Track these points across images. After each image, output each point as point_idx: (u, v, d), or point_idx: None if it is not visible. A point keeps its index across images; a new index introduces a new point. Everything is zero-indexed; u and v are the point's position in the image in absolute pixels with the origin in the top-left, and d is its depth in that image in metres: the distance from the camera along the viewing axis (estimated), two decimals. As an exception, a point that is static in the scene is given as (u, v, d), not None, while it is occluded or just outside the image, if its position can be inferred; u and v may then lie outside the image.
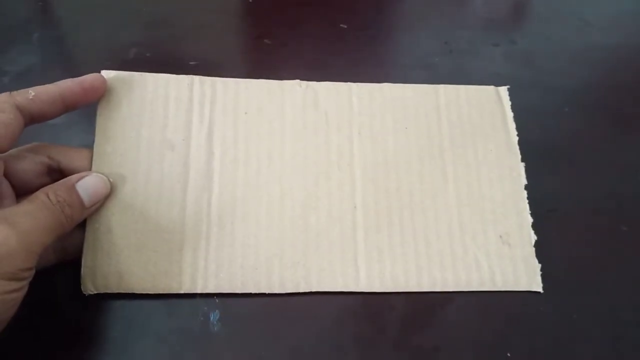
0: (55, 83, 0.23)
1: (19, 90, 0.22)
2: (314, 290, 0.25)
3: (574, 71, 0.36)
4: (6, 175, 0.23)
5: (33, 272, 0.20)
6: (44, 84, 0.23)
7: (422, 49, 0.37)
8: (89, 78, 0.25)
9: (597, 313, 0.26)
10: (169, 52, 0.35)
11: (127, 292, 0.24)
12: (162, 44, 0.36)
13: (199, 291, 0.24)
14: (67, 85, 0.24)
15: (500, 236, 0.26)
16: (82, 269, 0.24)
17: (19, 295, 0.20)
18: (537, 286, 0.26)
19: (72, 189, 0.23)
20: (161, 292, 0.24)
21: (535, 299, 0.26)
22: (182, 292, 0.24)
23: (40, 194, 0.21)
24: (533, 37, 0.38)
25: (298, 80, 0.28)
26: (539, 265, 0.26)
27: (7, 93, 0.22)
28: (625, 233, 0.29)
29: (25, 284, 0.20)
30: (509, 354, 0.24)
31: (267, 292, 0.24)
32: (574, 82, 0.36)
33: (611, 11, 0.41)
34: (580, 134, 0.33)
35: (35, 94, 0.23)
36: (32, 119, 0.23)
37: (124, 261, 0.24)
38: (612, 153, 0.32)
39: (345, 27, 0.38)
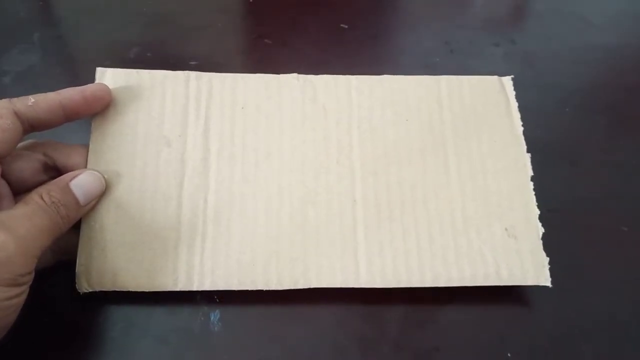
0: (56, 91, 0.23)
1: (18, 97, 0.22)
2: (312, 286, 0.24)
3: (574, 71, 0.36)
4: (3, 174, 0.23)
5: (32, 276, 0.20)
6: (44, 84, 0.23)
7: (422, 49, 0.37)
8: (91, 87, 0.24)
9: (597, 313, 0.26)
10: (170, 52, 0.36)
11: (122, 289, 0.23)
12: (162, 43, 0.36)
13: (195, 289, 0.24)
14: (68, 94, 0.23)
15: (506, 229, 0.26)
16: (76, 267, 0.23)
17: (20, 301, 0.20)
18: (545, 280, 0.25)
19: (67, 188, 0.22)
20: (156, 289, 0.24)
21: (535, 299, 0.26)
22: (177, 289, 0.24)
23: (34, 196, 0.21)
24: (533, 37, 0.38)
25: (295, 74, 0.28)
26: (547, 259, 0.25)
27: (7, 99, 0.22)
28: (625, 233, 0.29)
29: (25, 288, 0.20)
30: (509, 354, 0.24)
31: (264, 288, 0.24)
32: (574, 82, 0.36)
33: (611, 11, 0.41)
34: (581, 134, 0.33)
35: (35, 101, 0.22)
36: (31, 126, 0.23)
37: (119, 258, 0.24)
38: (613, 153, 0.32)
39: (346, 27, 0.38)
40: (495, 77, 0.29)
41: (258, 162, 0.26)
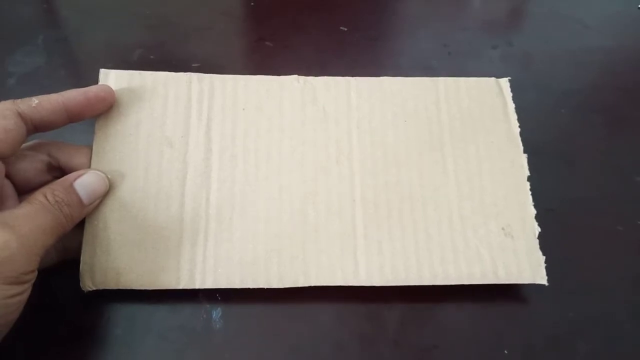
0: (60, 92, 0.23)
1: (22, 98, 0.22)
2: (312, 284, 0.24)
3: (570, 72, 0.37)
4: (7, 174, 0.23)
5: (35, 274, 0.20)
6: (48, 85, 0.24)
7: (421, 51, 0.37)
8: (94, 88, 0.25)
9: (593, 312, 0.26)
10: (172, 54, 0.36)
11: (126, 288, 0.24)
12: (165, 45, 0.36)
13: (197, 287, 0.24)
14: (71, 95, 0.24)
15: (503, 228, 0.26)
16: (80, 266, 0.24)
17: (22, 299, 0.20)
18: (542, 279, 0.25)
19: (70, 188, 0.23)
20: (159, 288, 0.24)
21: (532, 298, 0.26)
22: (180, 287, 0.24)
23: (38, 195, 0.21)
24: (531, 39, 0.39)
25: (296, 76, 0.28)
26: (543, 258, 0.25)
27: (11, 100, 0.22)
28: (621, 233, 0.29)
29: (27, 287, 0.20)
30: (506, 351, 0.24)
31: (265, 287, 0.24)
32: (571, 83, 0.36)
33: (608, 13, 0.41)
34: (577, 135, 0.33)
35: (39, 102, 0.23)
36: (35, 127, 0.23)
37: (122, 257, 0.24)
38: (608, 154, 0.32)
39: (346, 29, 0.39)
40: (493, 79, 0.29)
41: (259, 162, 0.26)
